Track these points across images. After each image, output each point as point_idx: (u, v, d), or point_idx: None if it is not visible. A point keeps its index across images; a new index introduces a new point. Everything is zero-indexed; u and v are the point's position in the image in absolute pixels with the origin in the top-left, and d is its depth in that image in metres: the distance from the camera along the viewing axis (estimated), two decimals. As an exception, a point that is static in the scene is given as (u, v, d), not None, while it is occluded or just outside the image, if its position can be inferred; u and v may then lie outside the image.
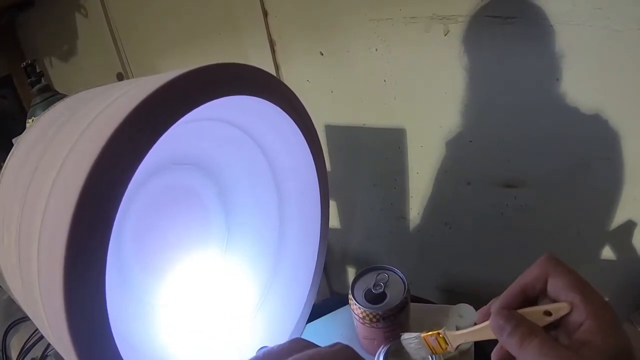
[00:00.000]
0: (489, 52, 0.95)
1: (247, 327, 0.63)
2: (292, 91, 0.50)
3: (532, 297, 0.34)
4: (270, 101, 0.46)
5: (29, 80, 1.07)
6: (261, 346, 0.49)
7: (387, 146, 1.17)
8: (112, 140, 0.30)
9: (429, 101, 1.06)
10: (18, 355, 1.31)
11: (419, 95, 1.06)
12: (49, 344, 1.29)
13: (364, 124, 1.18)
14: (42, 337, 1.32)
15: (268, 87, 0.46)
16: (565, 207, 1.03)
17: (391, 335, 0.62)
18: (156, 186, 0.53)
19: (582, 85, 0.89)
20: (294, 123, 0.52)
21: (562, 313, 0.31)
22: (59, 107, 0.50)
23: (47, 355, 1.25)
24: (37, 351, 1.29)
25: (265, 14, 1.18)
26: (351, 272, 1.52)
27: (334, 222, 1.39)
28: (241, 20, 1.23)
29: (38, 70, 1.07)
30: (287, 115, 0.50)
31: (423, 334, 0.40)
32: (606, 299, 1.06)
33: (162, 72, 0.40)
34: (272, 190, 0.62)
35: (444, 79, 1.01)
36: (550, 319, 0.32)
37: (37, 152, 0.40)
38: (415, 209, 1.24)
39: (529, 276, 0.34)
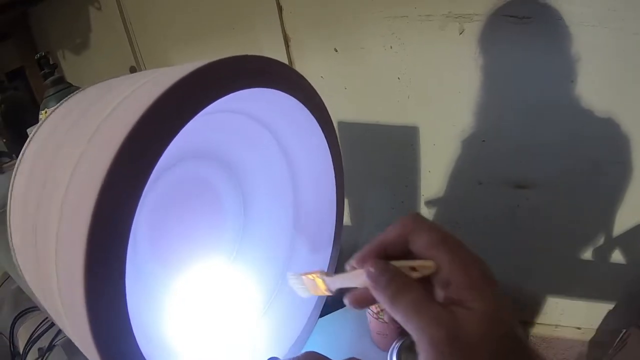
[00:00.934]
0: (504, 52, 0.94)
1: (255, 329, 0.62)
2: (312, 87, 0.50)
3: (394, 256, 0.31)
4: (293, 96, 0.46)
5: (42, 72, 1.08)
6: (271, 356, 0.49)
7: (400, 144, 1.17)
8: (141, 123, 0.29)
9: (442, 100, 1.06)
10: (25, 345, 1.31)
11: (432, 94, 1.06)
12: (56, 334, 1.30)
13: (377, 122, 1.18)
14: (50, 327, 1.33)
15: (291, 81, 0.45)
16: (576, 209, 1.03)
17: (404, 331, 0.62)
18: (172, 179, 0.53)
19: (596, 87, 0.89)
20: (314, 119, 0.51)
21: (428, 272, 0.29)
22: (78, 97, 0.49)
23: (54, 345, 1.26)
24: (44, 341, 1.30)
25: (280, 9, 1.18)
26: (360, 269, 1.50)
27: (345, 218, 1.38)
28: (255, 16, 1.23)
29: (51, 63, 1.08)
30: (308, 111, 0.50)
31: (303, 274, 0.40)
32: (614, 303, 1.06)
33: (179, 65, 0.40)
34: (288, 185, 0.62)
35: (458, 78, 1.01)
36: (417, 275, 0.29)
37: (56, 140, 0.39)
38: (426, 208, 1.24)
39: (390, 234, 0.31)
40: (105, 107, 0.34)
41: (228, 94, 0.37)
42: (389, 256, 0.31)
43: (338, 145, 0.57)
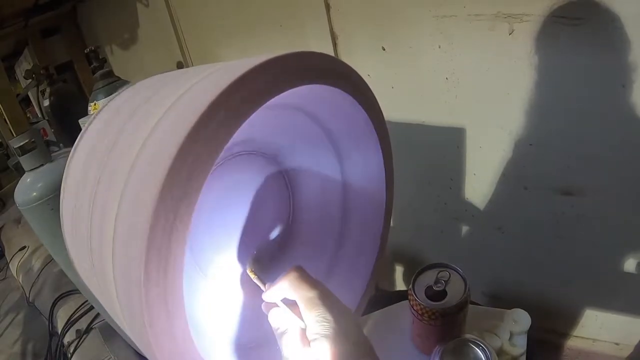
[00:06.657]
0: (554, 54, 0.92)
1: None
2: (370, 89, 0.51)
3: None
4: (352, 96, 0.47)
5: (91, 65, 1.12)
6: None
7: (446, 145, 1.16)
8: (215, 104, 0.30)
9: (490, 101, 1.04)
10: (64, 326, 1.36)
11: (480, 95, 1.04)
12: (94, 317, 1.34)
13: (423, 122, 1.17)
14: (88, 310, 1.37)
15: (352, 82, 0.47)
16: (623, 220, 0.99)
17: (447, 335, 0.61)
18: (222, 172, 0.52)
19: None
20: (370, 121, 0.52)
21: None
22: (134, 89, 0.49)
23: (92, 328, 1.30)
24: (82, 323, 1.34)
25: (327, 7, 1.18)
26: (398, 270, 1.51)
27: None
28: (303, 13, 1.24)
29: (100, 57, 1.11)
30: (364, 113, 0.50)
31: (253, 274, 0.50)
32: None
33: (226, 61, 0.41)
34: (338, 186, 0.61)
35: (507, 79, 0.99)
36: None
37: (114, 128, 0.40)
38: (470, 211, 1.22)
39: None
40: (173, 94, 0.35)
41: (297, 86, 0.38)
42: None
43: (390, 149, 0.57)
